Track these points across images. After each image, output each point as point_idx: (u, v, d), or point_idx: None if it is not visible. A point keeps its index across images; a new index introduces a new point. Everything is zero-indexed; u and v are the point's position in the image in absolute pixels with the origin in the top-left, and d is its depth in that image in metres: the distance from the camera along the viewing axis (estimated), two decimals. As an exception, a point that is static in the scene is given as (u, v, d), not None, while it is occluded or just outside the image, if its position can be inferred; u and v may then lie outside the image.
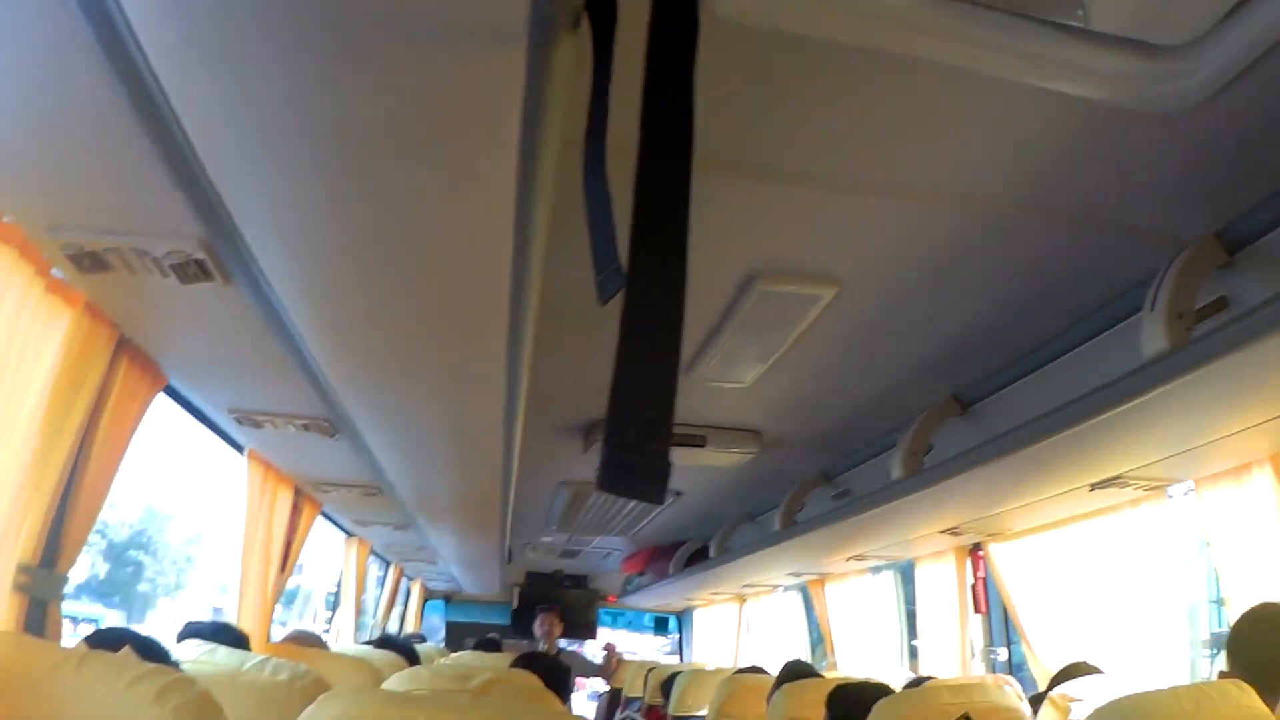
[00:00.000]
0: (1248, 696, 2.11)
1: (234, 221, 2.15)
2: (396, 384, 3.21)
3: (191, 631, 3.27)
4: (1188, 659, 3.84)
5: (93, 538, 3.21)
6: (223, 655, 3.03)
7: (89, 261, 2.52)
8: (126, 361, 3.20)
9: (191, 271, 2.53)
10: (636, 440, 1.38)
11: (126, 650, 2.25)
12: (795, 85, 2.10)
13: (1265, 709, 2.11)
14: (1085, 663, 3.64)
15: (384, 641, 6.02)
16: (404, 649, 5.75)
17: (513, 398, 3.19)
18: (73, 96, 1.83)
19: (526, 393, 3.33)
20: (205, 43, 1.54)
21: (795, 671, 5.20)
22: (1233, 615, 3.45)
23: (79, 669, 1.93)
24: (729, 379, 3.91)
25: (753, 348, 3.54)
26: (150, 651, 2.53)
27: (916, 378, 3.87)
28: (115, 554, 42.54)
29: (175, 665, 2.72)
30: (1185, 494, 3.71)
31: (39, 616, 3.00)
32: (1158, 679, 3.67)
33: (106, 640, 2.45)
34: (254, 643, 4.49)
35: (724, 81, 2.05)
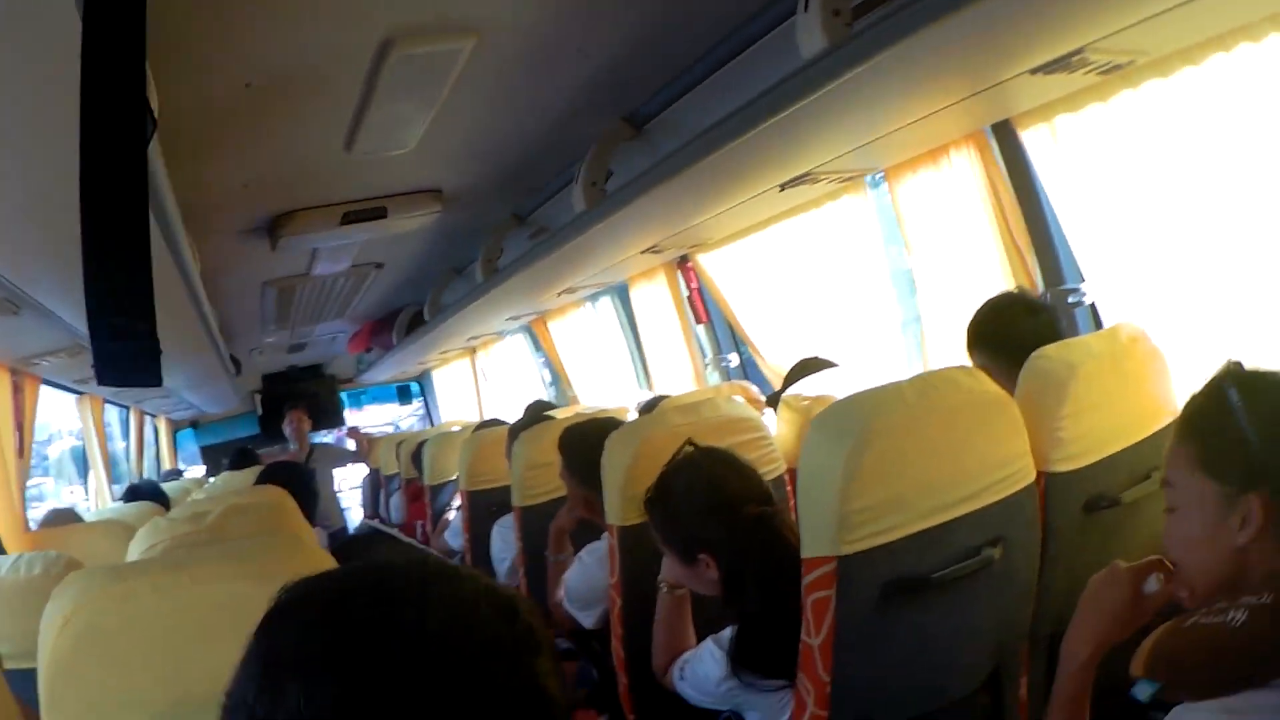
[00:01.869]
0: (977, 380, 2.11)
1: None
2: (58, 245, 2.98)
3: None
4: (903, 341, 3.92)
5: None
6: None
7: None
8: None
9: None
10: (121, 326, 1.41)
11: None
12: None
13: (996, 389, 2.10)
14: (818, 358, 3.68)
15: (132, 493, 6.00)
16: (151, 494, 5.72)
17: (164, 216, 2.98)
18: None
19: (177, 205, 3.15)
20: None
21: (537, 410, 5.20)
22: (923, 296, 3.55)
23: None
24: (392, 147, 3.84)
25: (406, 111, 3.47)
26: None
27: (583, 108, 3.80)
28: None
29: None
30: (879, 183, 3.76)
31: None
32: (880, 366, 3.74)
33: None
34: (8, 538, 4.55)
35: None
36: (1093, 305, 3.08)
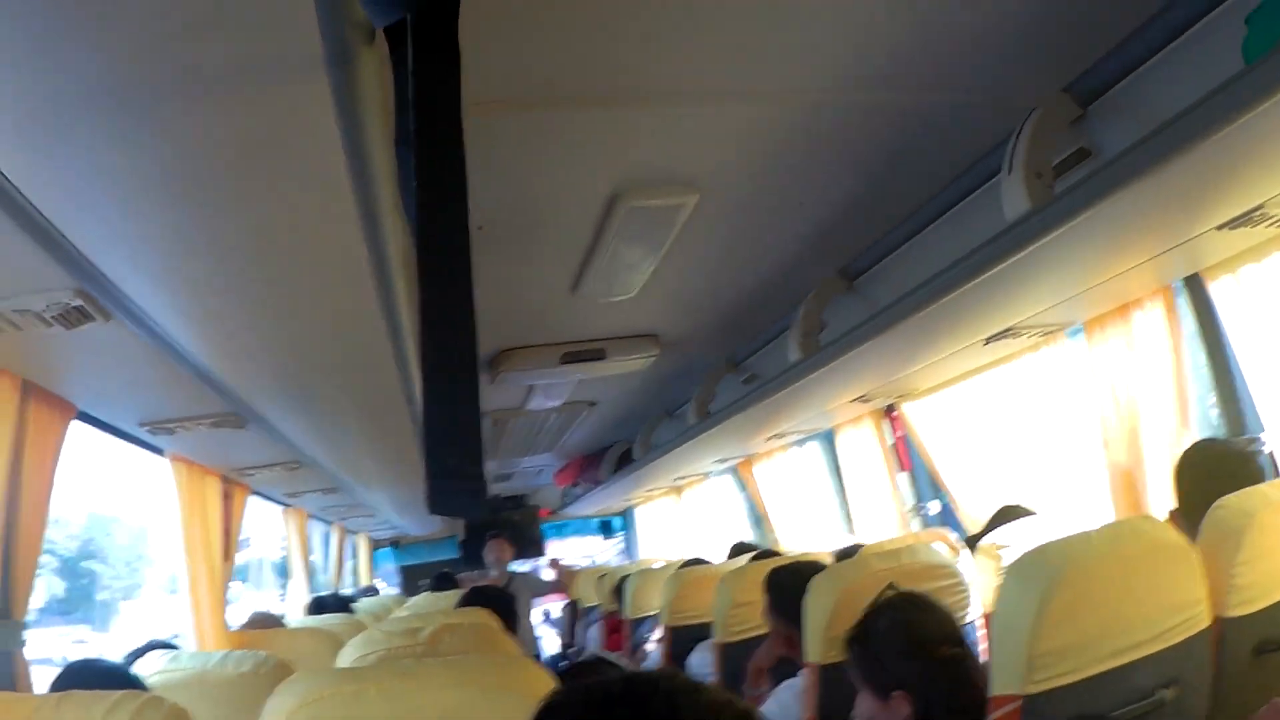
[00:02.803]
0: (1160, 530, 2.17)
1: (100, 269, 2.30)
2: (288, 370, 3.32)
3: (138, 654, 3.32)
4: (1107, 489, 3.91)
5: (42, 558, 3.24)
6: (186, 660, 3.12)
7: None
8: (34, 402, 3.20)
9: (74, 318, 2.58)
10: (455, 466, 1.49)
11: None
12: (632, 6, 2.10)
13: (1177, 539, 2.16)
14: (1019, 505, 3.70)
15: (317, 604, 6.21)
16: (336, 607, 5.97)
17: (400, 350, 3.24)
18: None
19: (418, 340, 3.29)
20: (38, 129, 1.69)
21: (739, 550, 5.27)
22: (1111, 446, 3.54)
23: (57, 711, 1.94)
24: (616, 292, 3.93)
25: (631, 260, 3.56)
26: (117, 679, 2.67)
27: (798, 261, 3.88)
28: (68, 570, 41.74)
29: (141, 685, 2.83)
30: (1077, 333, 3.77)
31: (7, 670, 3.05)
32: (1080, 514, 3.74)
33: (75, 679, 2.57)
34: (213, 634, 4.74)
35: (564, 16, 2.07)
36: (1271, 454, 3.07)
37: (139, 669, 3.07)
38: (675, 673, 1.06)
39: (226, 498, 5.53)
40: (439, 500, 1.54)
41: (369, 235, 2.29)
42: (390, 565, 12.34)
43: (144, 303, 2.59)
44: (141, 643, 3.68)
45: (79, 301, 2.46)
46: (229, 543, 5.54)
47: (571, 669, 5.38)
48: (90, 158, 1.80)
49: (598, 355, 4.81)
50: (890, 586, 2.62)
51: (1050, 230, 2.45)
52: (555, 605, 10.27)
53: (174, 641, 4.20)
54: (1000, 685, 1.98)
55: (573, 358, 4.80)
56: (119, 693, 1.98)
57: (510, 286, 3.85)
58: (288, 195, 2.06)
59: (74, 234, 2.12)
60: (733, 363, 5.41)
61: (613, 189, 3.00)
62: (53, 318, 2.56)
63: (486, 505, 1.69)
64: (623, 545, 12.90)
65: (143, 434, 4.21)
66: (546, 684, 1.88)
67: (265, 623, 5.13)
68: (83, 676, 2.63)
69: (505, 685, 1.93)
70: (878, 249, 3.71)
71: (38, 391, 3.25)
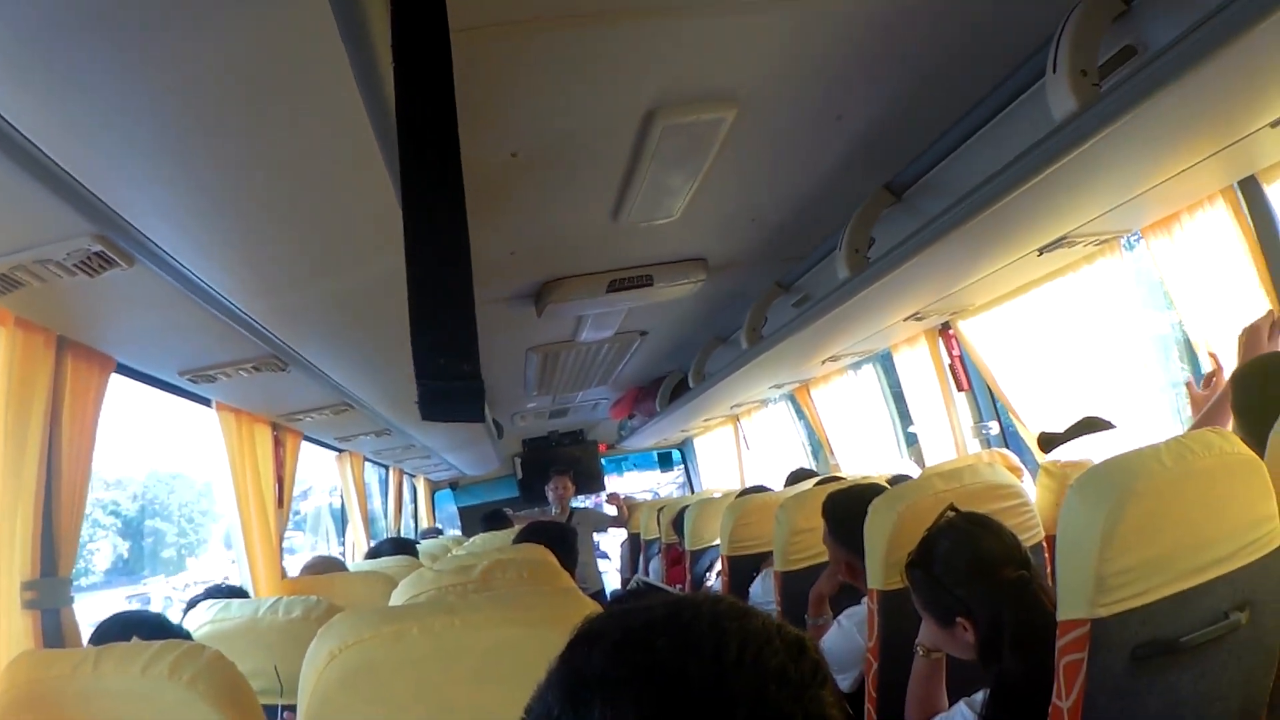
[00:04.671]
0: (1229, 443, 2.07)
1: (117, 212, 2.26)
2: (326, 308, 3.28)
3: (195, 601, 3.35)
4: (1168, 402, 3.83)
5: (106, 519, 3.27)
6: (236, 608, 3.12)
7: (1, 284, 2.57)
8: (71, 357, 3.18)
9: (96, 265, 2.54)
10: (446, 366, 1.47)
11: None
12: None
13: (1248, 452, 2.07)
14: (1098, 418, 3.64)
15: (377, 550, 6.09)
16: (401, 548, 5.85)
17: None
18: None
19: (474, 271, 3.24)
20: (37, 66, 1.67)
21: (799, 477, 5.20)
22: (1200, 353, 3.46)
23: (96, 668, 1.95)
24: (658, 215, 3.87)
25: (671, 181, 3.50)
26: (159, 629, 2.70)
27: (843, 176, 3.81)
28: (132, 530, 42.40)
29: (186, 636, 2.91)
30: (1136, 242, 3.70)
31: (55, 627, 3.02)
32: (1145, 428, 3.67)
33: (114, 632, 2.63)
34: (267, 583, 4.75)
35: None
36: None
37: (190, 620, 3.09)
38: (722, 597, 1.01)
39: (278, 445, 5.55)
40: (431, 403, 1.52)
41: (388, 159, 2.24)
42: (451, 507, 12.44)
43: (167, 245, 2.54)
44: (200, 592, 3.70)
45: (99, 247, 2.42)
46: (283, 490, 5.56)
47: (621, 598, 5.35)
48: (92, 93, 1.78)
49: (645, 282, 4.75)
50: (951, 508, 2.55)
51: (1098, 131, 2.38)
52: (616, 540, 10.28)
53: (241, 586, 4.27)
54: (1067, 609, 1.95)
55: (619, 285, 4.75)
56: (158, 643, 1.98)
57: (551, 216, 3.81)
58: (299, 121, 2.01)
59: (86, 177, 2.07)
60: (783, 285, 5.31)
61: (649, 106, 2.93)
62: (75, 266, 2.52)
63: (481, 408, 1.60)
64: (682, 478, 12.92)
65: (184, 383, 4.17)
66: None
67: (325, 566, 5.11)
68: (122, 628, 2.63)
69: (552, 619, 1.87)
70: (924, 160, 3.61)
71: (74, 346, 3.21)
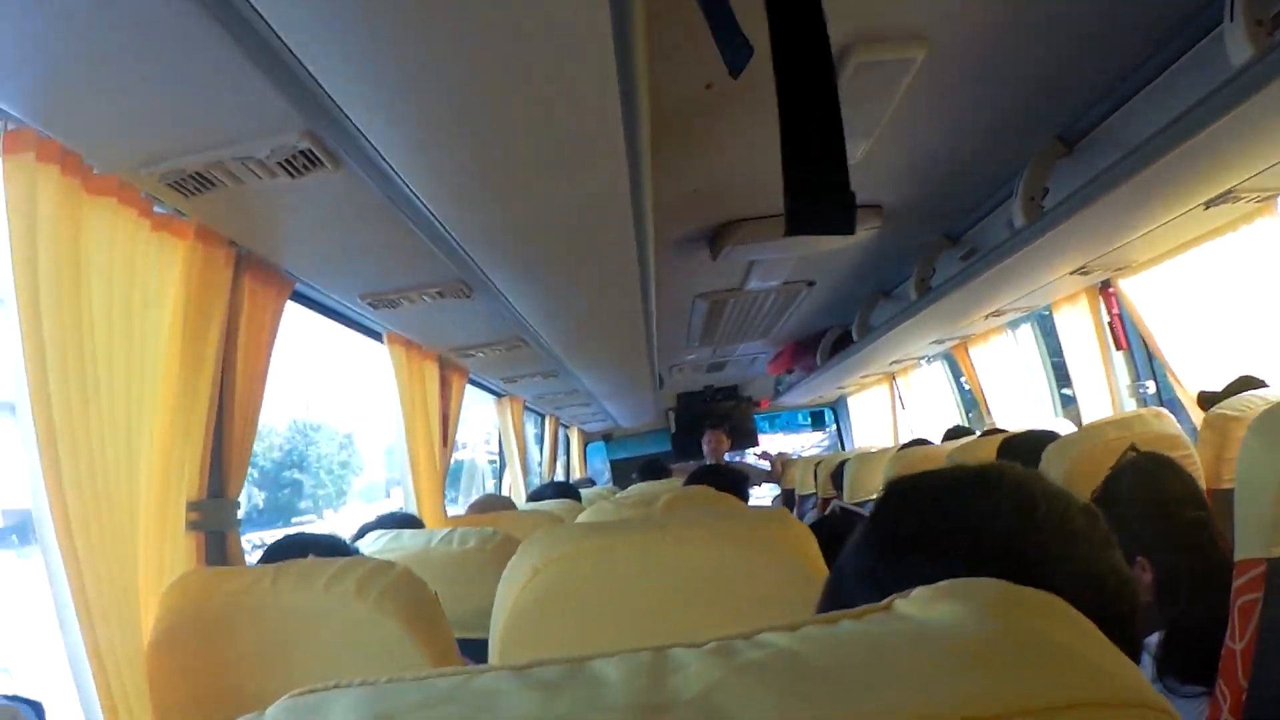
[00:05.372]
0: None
1: (335, 104, 2.17)
2: (524, 229, 3.22)
3: (367, 529, 3.35)
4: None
5: None
6: (407, 538, 3.08)
7: (193, 184, 2.52)
8: (250, 275, 3.17)
9: (300, 164, 2.48)
10: (816, 180, 1.53)
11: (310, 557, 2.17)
12: None
13: None
14: (1254, 377, 3.68)
15: (537, 494, 6.14)
16: (565, 491, 5.94)
17: (640, 216, 3.22)
18: (148, 19, 1.80)
19: (653, 207, 3.32)
20: None
21: (956, 434, 5.29)
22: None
23: (274, 584, 1.95)
24: None
25: (857, 123, 3.48)
26: (335, 551, 2.58)
27: (1018, 126, 3.84)
28: (270, 479, 42.74)
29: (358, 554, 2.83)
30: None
31: (220, 550, 3.00)
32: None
33: (287, 551, 2.50)
34: (434, 522, 4.74)
35: None
36: None
37: (360, 549, 3.07)
38: (1015, 464, 1.12)
39: (444, 383, 5.62)
40: (800, 219, 1.56)
41: (625, 104, 2.28)
42: (600, 462, 12.53)
43: (379, 144, 2.41)
44: (372, 519, 3.62)
45: (306, 144, 2.37)
46: (447, 428, 5.62)
47: (821, 521, 5.38)
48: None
49: None
50: (1132, 448, 2.65)
51: (1273, 79, 2.43)
52: (766, 496, 10.40)
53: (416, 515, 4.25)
54: (1244, 549, 1.90)
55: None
56: (342, 559, 1.99)
57: (736, 153, 3.80)
58: (542, 50, 2.00)
59: (309, 63, 1.97)
60: (950, 237, 5.40)
61: (843, 42, 2.96)
62: (277, 165, 2.46)
63: (852, 220, 1.65)
64: (828, 440, 13.02)
65: (363, 309, 4.16)
66: (811, 542, 1.86)
67: (493, 505, 5.05)
68: (298, 549, 2.50)
69: (766, 540, 1.85)
70: (1096, 111, 3.68)
71: (253, 266, 3.19)
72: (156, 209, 2.66)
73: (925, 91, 3.36)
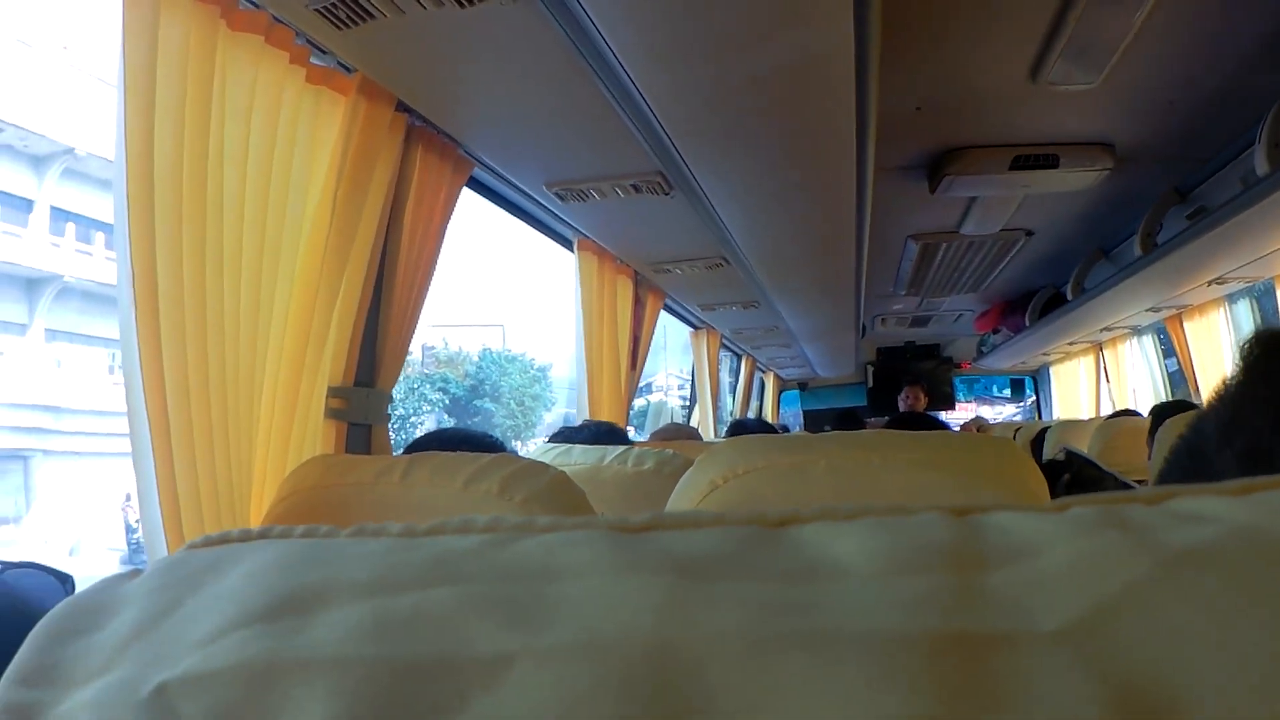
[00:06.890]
0: None
1: None
2: (733, 107, 2.96)
3: (564, 436, 3.17)
4: None
5: (434, 394, 2.99)
6: (578, 454, 2.81)
7: (346, 10, 2.26)
8: (423, 148, 3.01)
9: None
10: None
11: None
12: None
13: None
14: None
15: (737, 426, 5.93)
16: (764, 429, 5.78)
17: (863, 127, 3.09)
18: None
19: (876, 123, 3.16)
20: None
21: (1164, 411, 5.16)
22: None
23: (406, 476, 1.75)
24: (1078, 80, 3.62)
25: (1100, 35, 3.23)
26: (490, 448, 2.23)
27: (1256, 69, 3.63)
28: (459, 408, 43.41)
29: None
30: None
31: (363, 446, 2.82)
32: None
33: (437, 444, 2.22)
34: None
35: None
36: None
37: None
38: None
39: (638, 302, 5.53)
40: None
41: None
42: (791, 413, 12.58)
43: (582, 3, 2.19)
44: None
45: None
46: (637, 349, 5.55)
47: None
48: None
49: (1050, 163, 4.49)
50: None
51: None
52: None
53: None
54: None
55: (1023, 163, 4.48)
56: (489, 455, 1.76)
57: (963, 70, 3.60)
58: None
59: None
60: (1180, 192, 5.20)
61: None
62: None
63: None
64: (1024, 411, 12.93)
65: (549, 199, 3.94)
66: (1035, 473, 1.77)
67: (678, 433, 4.92)
68: (444, 443, 2.20)
69: (981, 469, 1.76)
70: None
71: (427, 137, 3.02)
72: (313, 60, 2.49)
73: (1171, 10, 3.14)
